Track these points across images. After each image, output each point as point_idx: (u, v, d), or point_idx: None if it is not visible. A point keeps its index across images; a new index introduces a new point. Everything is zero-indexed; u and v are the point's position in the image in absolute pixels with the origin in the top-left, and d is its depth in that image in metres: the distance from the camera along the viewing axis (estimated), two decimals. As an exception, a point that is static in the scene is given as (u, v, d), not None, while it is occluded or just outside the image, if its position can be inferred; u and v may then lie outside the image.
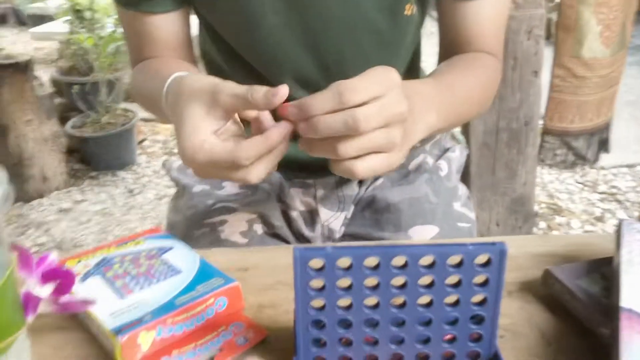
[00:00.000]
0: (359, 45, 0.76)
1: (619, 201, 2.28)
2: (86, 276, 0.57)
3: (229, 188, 0.87)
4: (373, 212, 0.85)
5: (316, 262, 0.42)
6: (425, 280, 0.43)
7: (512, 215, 1.95)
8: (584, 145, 2.47)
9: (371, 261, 0.42)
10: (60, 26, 2.96)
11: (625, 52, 2.30)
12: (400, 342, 0.45)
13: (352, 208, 0.89)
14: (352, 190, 0.90)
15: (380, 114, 0.49)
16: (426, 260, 0.42)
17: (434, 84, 0.64)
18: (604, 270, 0.55)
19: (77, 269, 0.58)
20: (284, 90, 0.50)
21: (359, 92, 0.49)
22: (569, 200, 2.30)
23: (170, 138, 2.92)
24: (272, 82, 0.79)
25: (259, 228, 0.82)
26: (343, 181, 0.90)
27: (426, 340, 0.45)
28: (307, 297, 0.43)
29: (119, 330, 0.48)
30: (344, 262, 0.42)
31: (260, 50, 0.76)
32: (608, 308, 0.50)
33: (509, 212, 1.94)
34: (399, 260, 0.42)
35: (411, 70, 0.88)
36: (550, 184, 2.41)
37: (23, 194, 2.39)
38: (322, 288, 0.43)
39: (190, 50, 0.83)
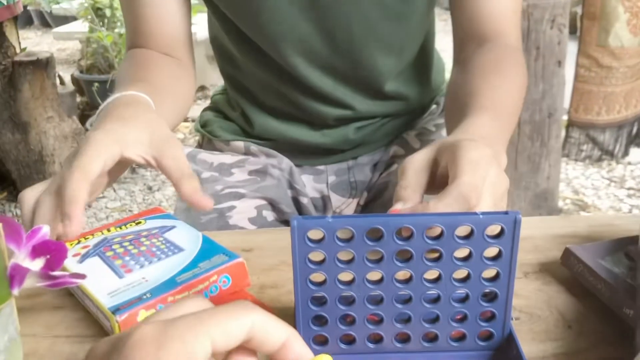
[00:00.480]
0: (366, 18, 0.73)
1: (647, 197, 2.21)
2: (85, 257, 0.55)
3: (238, 174, 0.85)
4: (386, 199, 0.82)
5: (316, 233, 0.40)
6: (433, 253, 0.40)
7: (536, 210, 1.90)
8: (611, 139, 2.37)
9: (374, 232, 0.39)
10: (81, 26, 2.99)
11: None
12: (406, 320, 0.42)
13: (365, 195, 0.86)
14: (365, 175, 0.87)
15: (493, 200, 0.49)
16: (433, 231, 0.39)
17: (494, 121, 0.61)
18: (629, 250, 0.51)
19: (76, 250, 0.56)
20: None
21: (480, 192, 0.48)
22: (595, 196, 2.23)
23: (189, 135, 2.92)
24: (281, 63, 0.77)
25: (268, 215, 0.80)
26: (355, 166, 0.88)
27: (434, 319, 0.42)
28: (306, 270, 0.41)
29: (117, 309, 0.46)
30: (345, 233, 0.39)
31: (267, 30, 0.74)
32: (633, 288, 0.46)
33: (532, 207, 1.89)
34: (403, 231, 0.39)
35: (424, 51, 0.85)
36: (576, 179, 2.34)
37: (44, 190, 2.40)
38: (322, 261, 0.41)
39: (186, 44, 0.79)
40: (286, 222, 0.82)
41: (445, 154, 0.50)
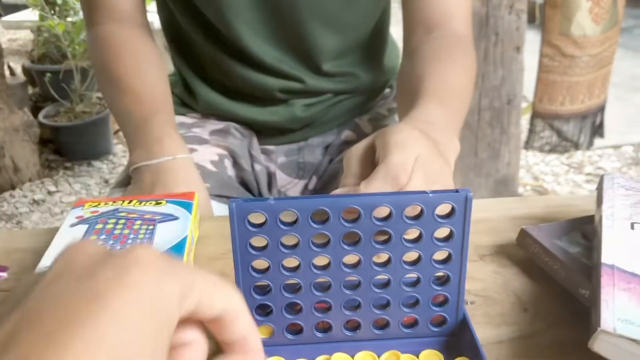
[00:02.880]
0: None
1: (604, 182, 2.25)
2: (79, 222, 0.53)
3: (199, 132, 0.84)
4: (338, 185, 0.81)
5: (257, 217, 0.37)
6: (381, 235, 0.38)
7: (496, 197, 1.91)
8: (576, 129, 2.38)
9: (320, 214, 0.37)
10: (31, 14, 2.87)
11: (618, 30, 2.21)
12: (356, 307, 0.40)
13: (314, 180, 0.84)
14: (315, 157, 0.85)
15: (425, 179, 0.49)
16: (381, 211, 0.37)
17: (441, 107, 0.62)
18: (585, 229, 0.50)
19: (85, 212, 0.54)
20: None
21: (409, 171, 0.49)
22: (554, 182, 2.26)
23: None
24: (227, 33, 0.76)
25: (229, 165, 0.81)
26: (305, 147, 0.86)
27: (384, 305, 0.40)
28: (248, 257, 0.38)
29: None
30: (289, 216, 0.37)
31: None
32: (589, 268, 0.45)
33: (493, 194, 1.89)
34: (350, 213, 0.37)
35: (375, 34, 0.83)
36: (536, 165, 2.37)
37: (-6, 185, 2.32)
38: (265, 247, 0.38)
39: (141, 10, 0.78)
40: (243, 183, 0.81)
41: (378, 140, 0.52)
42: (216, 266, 0.51)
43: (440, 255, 0.38)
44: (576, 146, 2.41)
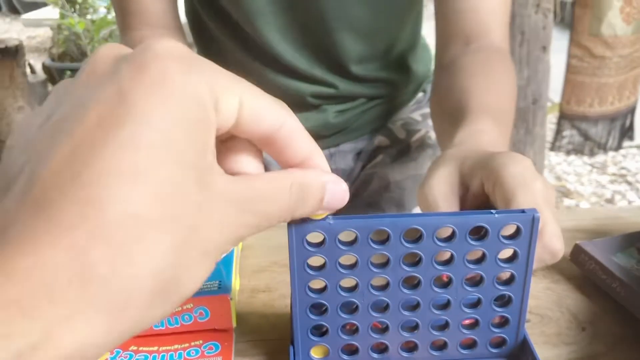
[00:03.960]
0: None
1: (628, 182, 2.22)
2: None
3: None
4: (372, 192, 0.79)
5: (315, 236, 0.36)
6: (443, 255, 0.36)
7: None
8: (604, 132, 2.33)
9: (379, 234, 0.36)
10: (52, 12, 2.89)
11: None
12: (413, 328, 0.39)
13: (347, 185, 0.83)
14: (347, 164, 0.84)
15: (553, 215, 0.41)
16: (443, 231, 0.36)
17: (494, 126, 0.55)
18: (641, 245, 0.49)
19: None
20: None
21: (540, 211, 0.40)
22: (577, 183, 2.23)
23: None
24: (256, 38, 0.75)
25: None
26: (337, 154, 0.85)
27: (443, 326, 0.39)
28: (305, 276, 0.37)
29: None
30: (348, 235, 0.36)
31: (243, 2, 0.72)
32: (649, 287, 0.43)
33: (516, 195, 1.88)
34: (411, 233, 0.36)
35: (409, 39, 0.82)
36: (558, 165, 2.34)
37: (16, 183, 2.33)
38: (323, 266, 0.37)
39: (174, 16, 0.77)
40: None
41: (479, 173, 0.43)
42: (261, 279, 0.51)
43: (503, 275, 0.37)
44: (604, 149, 2.36)
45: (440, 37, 0.71)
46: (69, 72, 2.61)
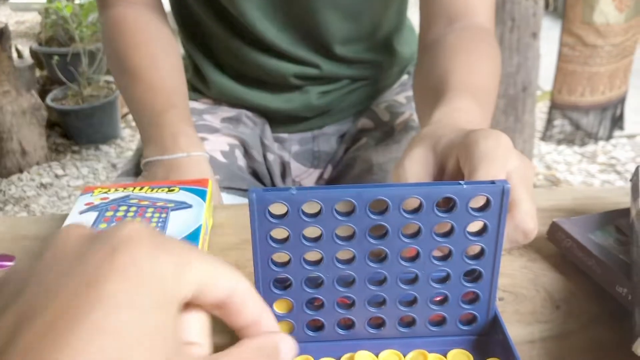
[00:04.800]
0: None
1: (618, 172, 2.21)
2: (88, 209, 0.50)
3: (210, 119, 0.81)
4: (355, 174, 0.78)
5: (278, 207, 0.34)
6: (410, 228, 0.35)
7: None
8: (595, 121, 2.31)
9: (345, 206, 0.34)
10: (40, -4, 2.85)
11: None
12: (380, 303, 0.38)
13: (329, 169, 0.82)
14: (330, 146, 0.83)
15: (529, 194, 0.40)
16: (411, 203, 0.34)
17: (473, 104, 0.53)
18: (620, 223, 0.48)
19: (94, 199, 0.52)
20: None
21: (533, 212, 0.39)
22: (567, 172, 2.23)
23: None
24: (239, 18, 0.73)
25: (239, 156, 0.78)
26: (320, 136, 0.83)
27: (411, 302, 0.38)
28: (268, 249, 0.36)
29: None
30: (312, 207, 0.34)
31: None
32: (626, 265, 0.42)
33: (505, 183, 1.87)
34: (378, 205, 0.34)
35: (394, 20, 0.80)
36: (548, 154, 2.33)
37: (1, 168, 2.30)
38: (286, 239, 0.35)
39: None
40: (254, 174, 0.79)
41: (454, 151, 0.42)
42: (231, 257, 0.49)
43: (472, 249, 0.36)
44: (595, 139, 2.35)
45: (424, 16, 0.70)
46: (56, 57, 2.58)
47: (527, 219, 0.38)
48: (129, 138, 2.64)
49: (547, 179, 2.19)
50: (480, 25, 0.66)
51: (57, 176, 2.34)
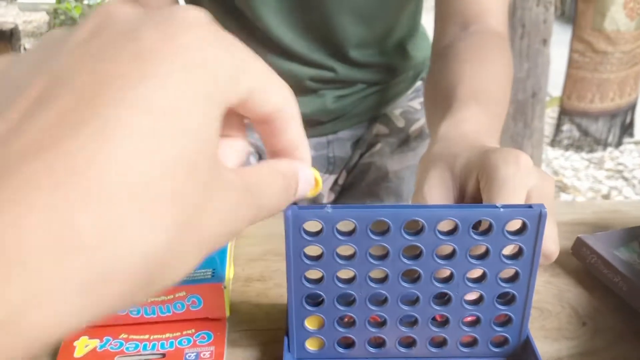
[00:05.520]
0: None
1: (625, 178, 2.21)
2: None
3: None
4: (370, 181, 0.79)
5: (313, 225, 0.35)
6: (445, 249, 0.35)
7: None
8: (604, 128, 2.30)
9: (379, 225, 0.35)
10: (48, -4, 2.86)
11: None
12: (412, 323, 0.38)
13: (344, 174, 0.82)
14: (345, 152, 0.83)
15: (552, 215, 0.38)
16: (446, 225, 0.35)
17: (481, 113, 0.53)
18: (644, 240, 0.48)
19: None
20: None
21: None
22: (574, 178, 2.23)
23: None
24: (255, 21, 0.74)
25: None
26: (335, 141, 0.84)
27: (443, 323, 0.38)
28: (302, 266, 0.36)
29: None
30: (346, 225, 0.35)
31: None
32: (653, 283, 0.42)
33: (513, 188, 1.87)
34: (412, 225, 0.35)
35: (408, 25, 0.81)
36: (555, 160, 2.33)
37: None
38: (320, 256, 0.36)
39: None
40: None
41: (474, 171, 0.41)
42: (256, 268, 0.50)
43: (506, 272, 0.36)
44: (604, 145, 2.34)
45: (438, 21, 0.70)
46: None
47: (548, 242, 0.37)
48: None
49: (555, 184, 2.19)
50: (494, 29, 0.66)
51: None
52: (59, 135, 0.16)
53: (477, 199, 0.41)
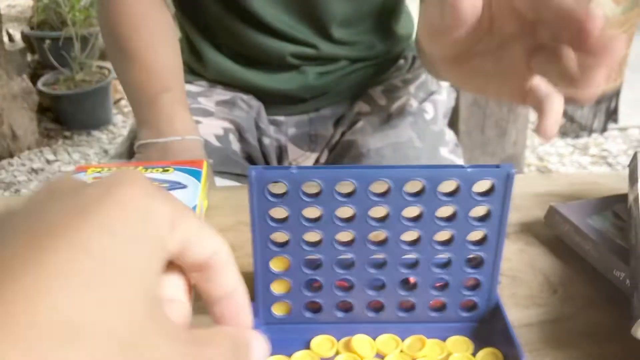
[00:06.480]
0: None
1: (609, 164, 2.22)
2: None
3: (205, 102, 0.80)
4: (351, 158, 0.78)
5: (278, 187, 0.34)
6: (412, 211, 0.35)
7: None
8: (590, 114, 2.31)
9: (345, 186, 0.34)
10: (31, -21, 2.81)
11: (638, 12, 2.13)
12: (380, 287, 0.38)
13: (325, 152, 0.81)
14: (326, 130, 0.82)
15: None
16: (413, 186, 0.34)
17: None
18: (617, 208, 0.48)
19: (87, 179, 0.50)
20: None
21: None
22: (559, 163, 2.23)
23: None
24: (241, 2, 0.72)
25: (234, 140, 0.77)
26: (317, 119, 0.83)
27: (411, 287, 0.38)
28: (267, 228, 0.35)
29: None
30: (313, 187, 0.34)
31: None
32: (623, 249, 0.42)
33: (498, 173, 1.87)
34: (379, 186, 0.34)
35: (392, 2, 0.80)
36: (541, 146, 2.34)
37: (-8, 153, 2.28)
38: (285, 219, 0.35)
39: None
40: (248, 158, 0.78)
41: None
42: (226, 238, 0.48)
43: (475, 235, 0.36)
44: (589, 131, 2.35)
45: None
46: (48, 41, 2.55)
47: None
48: (121, 124, 2.61)
49: (539, 170, 2.20)
50: None
51: (48, 161, 2.32)
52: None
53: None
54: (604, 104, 2.29)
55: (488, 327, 0.38)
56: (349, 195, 0.34)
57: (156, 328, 0.20)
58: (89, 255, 0.19)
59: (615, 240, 0.44)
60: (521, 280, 0.44)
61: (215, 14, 0.77)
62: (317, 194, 0.34)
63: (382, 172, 0.34)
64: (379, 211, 0.35)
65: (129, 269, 0.20)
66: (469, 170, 0.33)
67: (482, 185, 0.34)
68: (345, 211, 0.35)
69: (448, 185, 0.34)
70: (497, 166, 0.33)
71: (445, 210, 0.35)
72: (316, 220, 0.35)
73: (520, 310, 0.41)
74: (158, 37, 0.70)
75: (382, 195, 0.34)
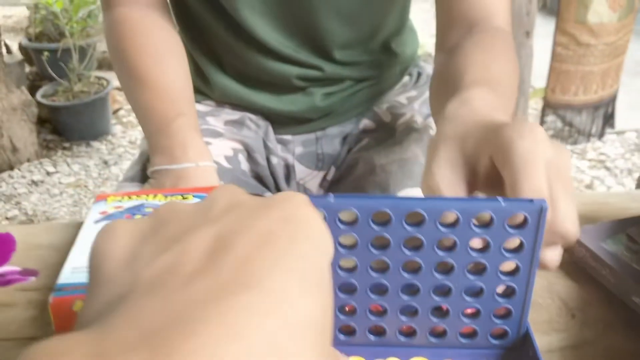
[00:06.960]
0: None
1: (607, 168, 2.25)
2: (105, 218, 0.50)
3: (213, 122, 0.81)
4: (357, 176, 0.79)
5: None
6: (446, 241, 0.36)
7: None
8: (588, 120, 2.33)
9: (381, 215, 0.35)
10: (28, -10, 2.82)
11: (634, 18, 2.14)
12: (412, 313, 0.39)
13: (332, 170, 0.83)
14: (333, 148, 0.84)
15: (567, 192, 0.38)
16: (447, 217, 0.35)
17: (489, 94, 0.50)
18: (630, 231, 0.49)
19: (108, 208, 0.51)
20: None
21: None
22: (556, 169, 2.26)
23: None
24: (240, 23, 0.74)
25: (243, 160, 0.78)
26: (323, 138, 0.84)
27: (443, 314, 0.39)
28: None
29: (59, 289, 0.40)
30: (348, 215, 0.35)
31: None
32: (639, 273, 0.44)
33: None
34: (414, 216, 0.35)
35: (396, 23, 0.81)
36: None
37: (-8, 165, 2.28)
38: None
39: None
40: (258, 178, 0.80)
41: (486, 150, 0.39)
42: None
43: (507, 266, 0.37)
44: (588, 137, 2.37)
45: (441, 21, 0.69)
46: (46, 53, 2.56)
47: (566, 221, 0.36)
48: (120, 134, 2.62)
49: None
50: (499, 28, 0.65)
51: (48, 173, 2.32)
52: (229, 289, 0.19)
53: (490, 177, 0.40)
54: (602, 109, 2.32)
55: (517, 354, 0.39)
56: (384, 224, 0.36)
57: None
58: (301, 275, 0.20)
59: (631, 265, 0.45)
60: (540, 305, 0.46)
61: (220, 38, 0.78)
62: (352, 222, 0.36)
63: (417, 204, 0.35)
64: (413, 240, 0.36)
65: (325, 289, 0.21)
66: (503, 204, 0.35)
67: (516, 218, 0.35)
68: (380, 239, 0.36)
69: (482, 217, 0.35)
70: (531, 200, 0.35)
71: (478, 241, 0.36)
72: (351, 247, 0.36)
73: (540, 336, 0.42)
74: (166, 55, 0.71)
75: (417, 225, 0.36)
